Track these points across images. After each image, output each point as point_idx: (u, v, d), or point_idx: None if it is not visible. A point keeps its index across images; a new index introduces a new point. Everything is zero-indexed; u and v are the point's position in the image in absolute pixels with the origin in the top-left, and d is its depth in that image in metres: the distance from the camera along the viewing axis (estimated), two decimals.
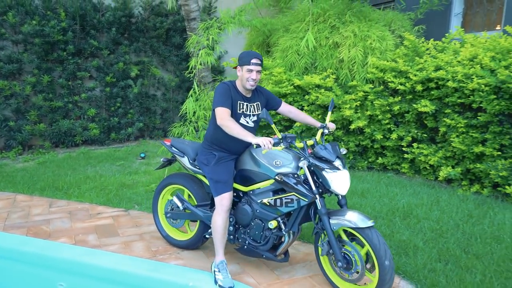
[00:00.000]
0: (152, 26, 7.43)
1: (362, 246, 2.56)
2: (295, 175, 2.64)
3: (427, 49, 4.97)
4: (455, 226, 3.60)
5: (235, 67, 2.93)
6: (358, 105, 5.09)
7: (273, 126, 2.56)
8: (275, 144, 2.52)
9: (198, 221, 3.20)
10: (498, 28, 5.84)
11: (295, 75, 5.30)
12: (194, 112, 5.11)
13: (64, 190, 4.80)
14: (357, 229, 2.50)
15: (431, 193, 4.39)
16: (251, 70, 2.78)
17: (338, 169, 2.54)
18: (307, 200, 2.58)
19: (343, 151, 2.75)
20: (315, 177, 2.62)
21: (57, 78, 6.75)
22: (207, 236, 3.19)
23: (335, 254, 2.58)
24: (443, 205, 4.03)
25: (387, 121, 5.02)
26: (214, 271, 2.85)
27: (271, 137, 2.55)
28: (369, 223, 2.46)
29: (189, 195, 3.33)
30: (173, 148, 3.29)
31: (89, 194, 4.65)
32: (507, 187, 4.01)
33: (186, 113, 5.08)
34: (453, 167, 4.61)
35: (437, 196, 4.29)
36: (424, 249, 3.23)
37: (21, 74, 6.56)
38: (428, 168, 4.86)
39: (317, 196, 2.58)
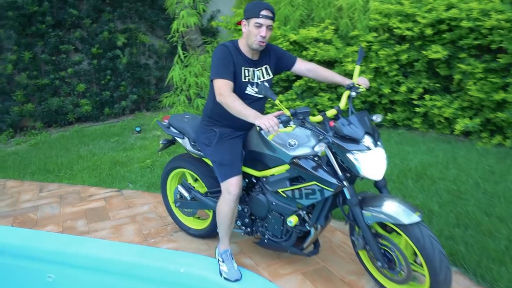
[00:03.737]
0: None
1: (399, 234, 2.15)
2: (315, 158, 2.15)
3: None
4: (475, 185, 3.45)
5: (239, 22, 2.43)
6: None
7: (277, 102, 2.06)
8: (283, 124, 2.00)
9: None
10: None
11: (291, 29, 5.05)
12: (185, 80, 4.80)
13: (55, 172, 4.67)
14: (398, 225, 2.03)
15: (447, 149, 4.25)
16: (260, 25, 2.26)
17: (369, 148, 2.02)
18: (332, 189, 2.10)
19: (378, 118, 2.17)
20: (340, 159, 2.12)
21: (39, 54, 6.44)
22: None
23: (373, 252, 2.16)
24: (461, 162, 3.89)
25: (394, 72, 4.80)
26: (218, 260, 2.62)
27: (278, 113, 2.03)
28: (415, 217, 1.97)
29: (196, 179, 2.97)
30: (171, 128, 2.89)
31: (81, 175, 4.52)
32: None
33: (175, 81, 4.78)
34: (470, 118, 4.46)
35: (453, 152, 4.16)
36: (440, 213, 3.07)
37: (0, 53, 6.25)
38: (442, 121, 4.72)
39: (344, 183, 2.09)
